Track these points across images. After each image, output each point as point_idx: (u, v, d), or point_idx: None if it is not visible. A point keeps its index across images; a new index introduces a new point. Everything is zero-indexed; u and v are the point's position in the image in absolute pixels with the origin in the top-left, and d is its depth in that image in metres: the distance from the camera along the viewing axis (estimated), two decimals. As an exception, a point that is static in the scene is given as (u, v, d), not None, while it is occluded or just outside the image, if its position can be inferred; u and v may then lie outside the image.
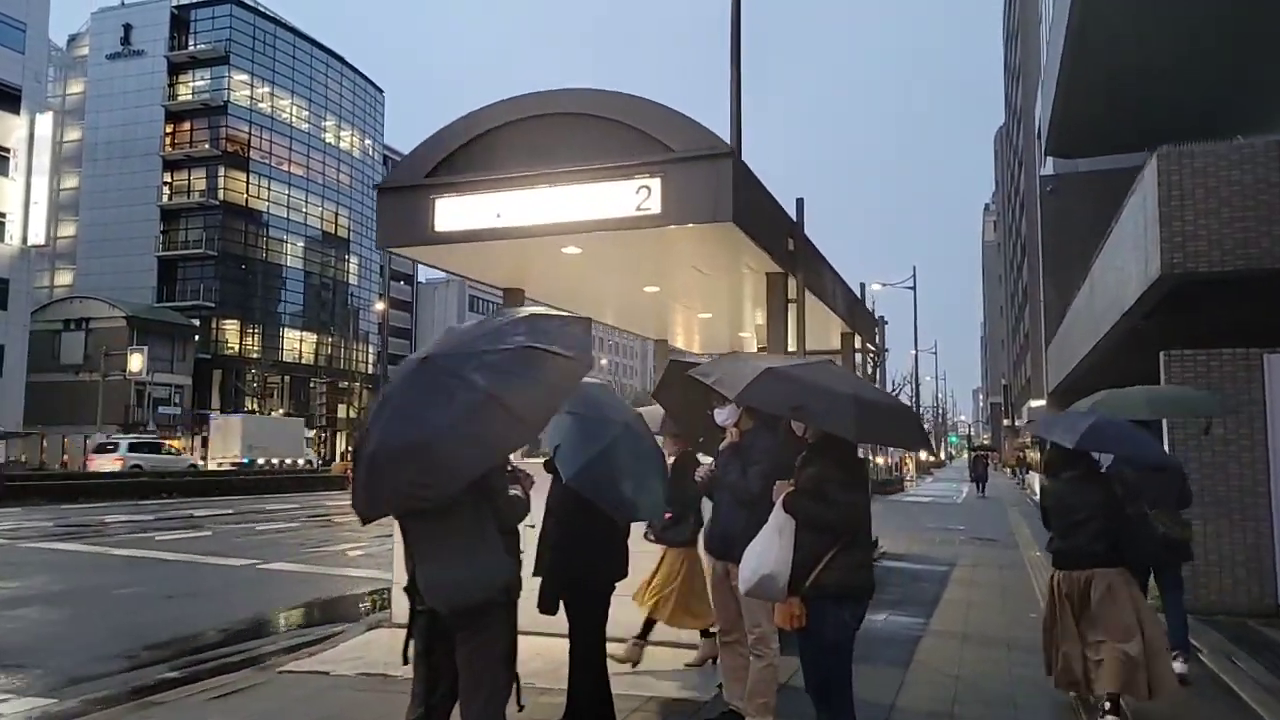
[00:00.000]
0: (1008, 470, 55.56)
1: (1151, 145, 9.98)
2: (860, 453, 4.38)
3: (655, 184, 6.10)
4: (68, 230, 65.13)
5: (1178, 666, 5.38)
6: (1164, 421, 8.11)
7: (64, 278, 64.92)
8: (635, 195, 6.14)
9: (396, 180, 7.45)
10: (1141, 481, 5.63)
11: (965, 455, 73.70)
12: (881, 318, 39.26)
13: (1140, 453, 5.29)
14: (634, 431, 4.00)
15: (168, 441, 43.71)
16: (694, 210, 6.11)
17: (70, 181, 64.79)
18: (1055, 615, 4.92)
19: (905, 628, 7.58)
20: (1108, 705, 4.60)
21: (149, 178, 61.93)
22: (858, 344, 12.10)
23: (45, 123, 45.89)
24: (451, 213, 6.67)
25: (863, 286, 16.32)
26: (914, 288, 52.44)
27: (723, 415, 4.46)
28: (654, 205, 6.10)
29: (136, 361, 46.22)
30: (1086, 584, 4.74)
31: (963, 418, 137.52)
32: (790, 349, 7.89)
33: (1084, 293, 16.42)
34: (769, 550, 3.63)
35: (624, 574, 4.24)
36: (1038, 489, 31.57)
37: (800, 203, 8.36)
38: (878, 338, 37.66)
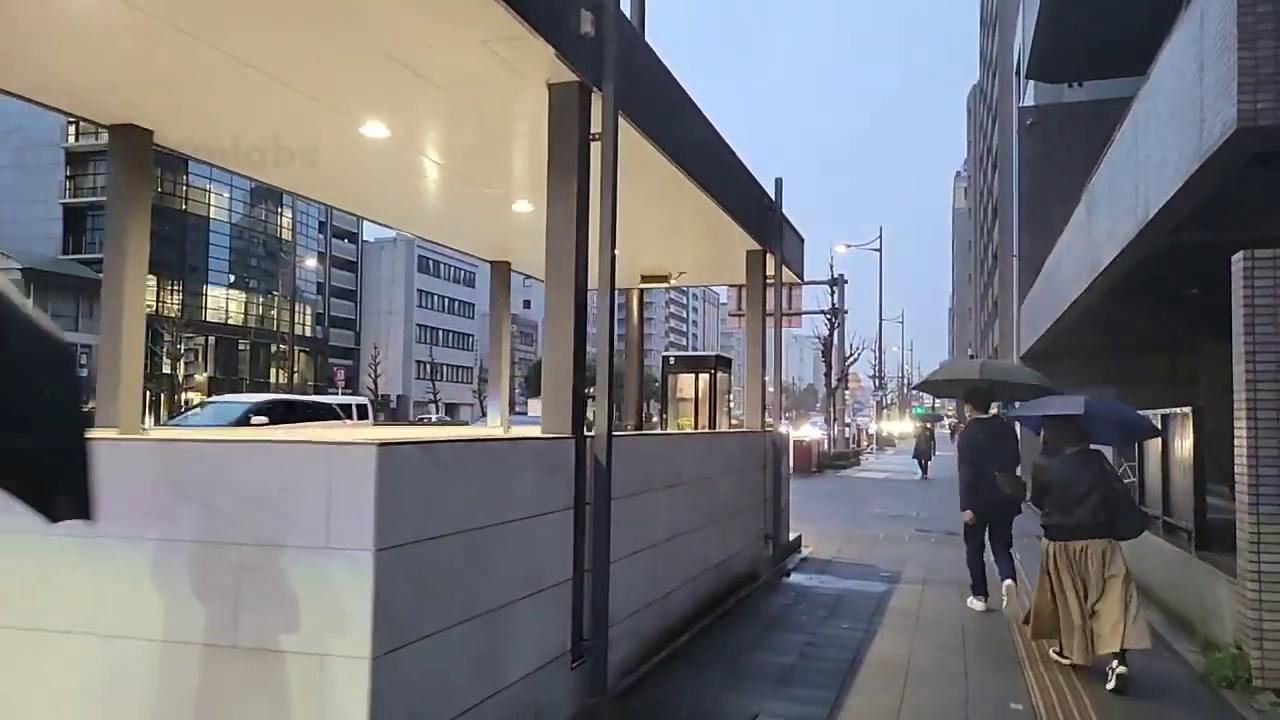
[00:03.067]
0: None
1: (1143, 70, 7.77)
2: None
3: None
4: (-33, 174, 59.96)
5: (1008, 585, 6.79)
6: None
7: (-35, 227, 59.83)
8: None
9: None
10: (991, 446, 6.87)
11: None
12: (841, 276, 36.18)
13: (1135, 424, 6.02)
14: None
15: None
16: None
17: (-30, 122, 59.50)
18: (1056, 589, 5.23)
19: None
20: (1121, 665, 4.86)
21: (51, 116, 56.54)
22: (772, 267, 8.54)
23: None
24: None
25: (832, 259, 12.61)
26: (880, 249, 49.08)
27: None
28: None
29: (25, 317, 41.81)
30: (1083, 554, 5.11)
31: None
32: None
33: (1076, 221, 13.00)
34: None
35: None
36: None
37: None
38: (834, 295, 34.50)
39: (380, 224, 8.67)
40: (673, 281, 9.90)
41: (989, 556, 7.06)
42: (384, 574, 2.76)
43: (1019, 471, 7.14)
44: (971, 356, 74.16)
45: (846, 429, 34.33)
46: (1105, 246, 10.08)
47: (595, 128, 4.35)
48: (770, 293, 8.66)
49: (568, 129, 4.27)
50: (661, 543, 5.36)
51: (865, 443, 41.77)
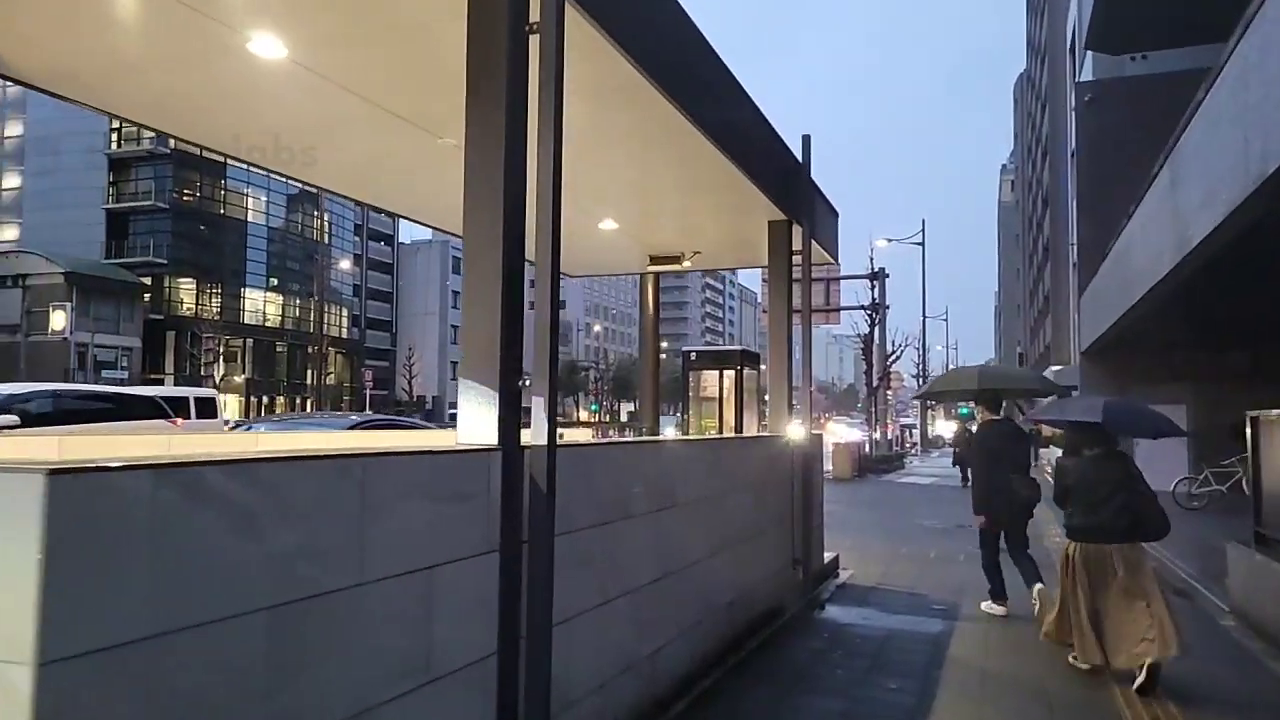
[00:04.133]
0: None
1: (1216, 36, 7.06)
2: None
3: None
4: (12, 182, 60.66)
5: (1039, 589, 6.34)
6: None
7: (9, 232, 60.53)
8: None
9: None
10: (1002, 448, 6.82)
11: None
12: (882, 269, 34.48)
13: (1159, 426, 5.84)
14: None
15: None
16: None
17: (15, 129, 60.20)
18: (1071, 590, 5.13)
19: None
20: (1145, 673, 4.72)
21: (96, 122, 57.07)
22: (799, 240, 7.20)
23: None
24: None
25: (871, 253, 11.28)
26: (922, 243, 47.26)
27: None
28: None
29: (60, 319, 42.08)
30: (1109, 558, 4.98)
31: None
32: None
33: (1156, 194, 11.41)
34: None
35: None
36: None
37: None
38: (875, 290, 32.85)
39: (331, 191, 7.26)
40: (685, 264, 8.61)
41: (1007, 560, 6.85)
42: (62, 709, 1.54)
43: (1031, 473, 7.15)
44: (1020, 354, 71.67)
45: (888, 430, 32.57)
46: (1198, 218, 8.56)
47: (535, 16, 3.09)
48: (799, 271, 7.33)
49: (491, 12, 3.02)
50: (646, 585, 4.09)
51: (910, 444, 39.91)
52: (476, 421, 2.95)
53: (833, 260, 8.82)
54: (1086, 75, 23.72)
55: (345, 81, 4.43)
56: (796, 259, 7.28)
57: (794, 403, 7.50)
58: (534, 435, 2.98)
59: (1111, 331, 17.26)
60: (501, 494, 2.90)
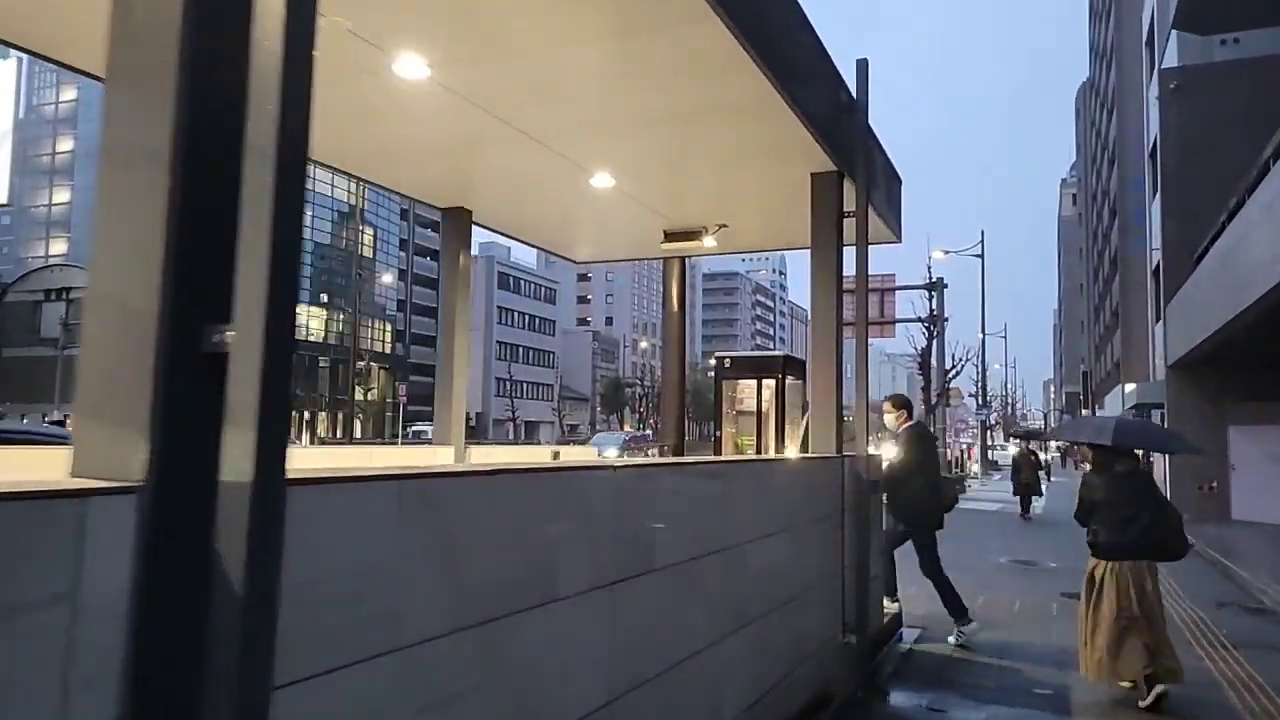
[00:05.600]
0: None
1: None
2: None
3: None
4: (62, 197, 61.54)
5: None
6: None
7: (59, 246, 61.34)
8: None
9: None
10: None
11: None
12: (940, 279, 32.32)
13: (1167, 442, 7.26)
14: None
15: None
16: None
17: (65, 144, 61.12)
18: (1093, 605, 5.14)
19: None
20: (1156, 690, 4.84)
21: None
22: (851, 200, 5.47)
23: (6, 71, 42.06)
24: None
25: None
26: (982, 255, 44.81)
27: None
28: None
29: (95, 332, 41.83)
30: (1130, 575, 5.03)
31: (1035, 409, 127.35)
32: None
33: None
34: None
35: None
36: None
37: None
38: (933, 301, 30.72)
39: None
40: (708, 241, 6.91)
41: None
42: None
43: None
44: (1085, 373, 68.31)
45: (949, 450, 30.23)
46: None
47: None
48: (848, 240, 5.59)
49: None
50: (596, 712, 2.41)
51: (971, 466, 37.39)
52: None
53: (895, 237, 7.07)
54: (1170, 61, 21.53)
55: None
56: (848, 227, 5.56)
57: (845, 415, 5.77)
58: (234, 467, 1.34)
59: (1208, 343, 15.11)
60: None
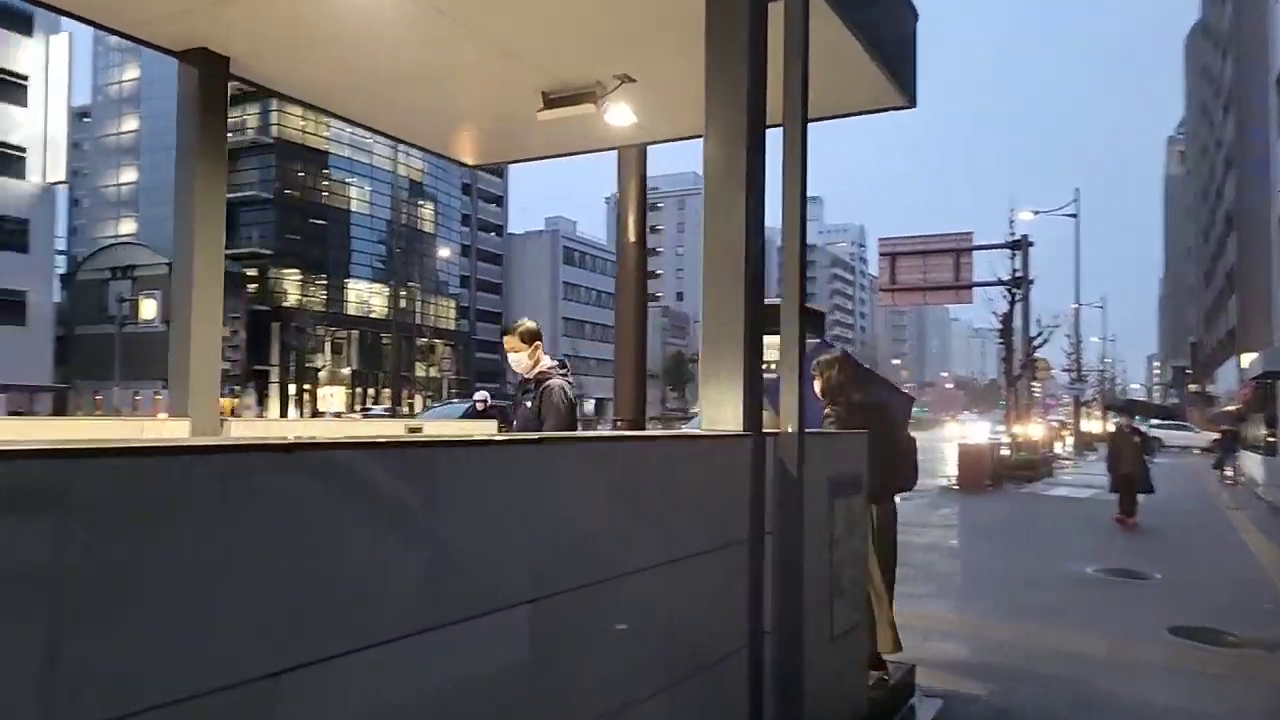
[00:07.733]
0: (1195, 449, 38.06)
1: None
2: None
3: None
4: (129, 176, 62.27)
5: None
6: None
7: (128, 226, 62.13)
8: None
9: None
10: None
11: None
12: (1025, 236, 28.82)
13: None
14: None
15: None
16: None
17: (130, 124, 61.73)
18: None
19: None
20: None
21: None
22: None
23: (60, 44, 42.25)
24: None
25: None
26: (1076, 214, 40.53)
27: None
28: None
29: (150, 309, 41.60)
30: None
31: (1135, 386, 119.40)
32: None
33: None
34: None
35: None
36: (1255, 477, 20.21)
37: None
38: (1016, 260, 27.29)
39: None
40: (613, 109, 4.45)
41: None
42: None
43: None
44: (1193, 343, 62.52)
45: (1033, 428, 26.84)
46: None
47: None
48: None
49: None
50: None
51: (1062, 446, 33.66)
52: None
53: (906, 101, 4.53)
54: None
55: None
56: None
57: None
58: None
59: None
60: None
